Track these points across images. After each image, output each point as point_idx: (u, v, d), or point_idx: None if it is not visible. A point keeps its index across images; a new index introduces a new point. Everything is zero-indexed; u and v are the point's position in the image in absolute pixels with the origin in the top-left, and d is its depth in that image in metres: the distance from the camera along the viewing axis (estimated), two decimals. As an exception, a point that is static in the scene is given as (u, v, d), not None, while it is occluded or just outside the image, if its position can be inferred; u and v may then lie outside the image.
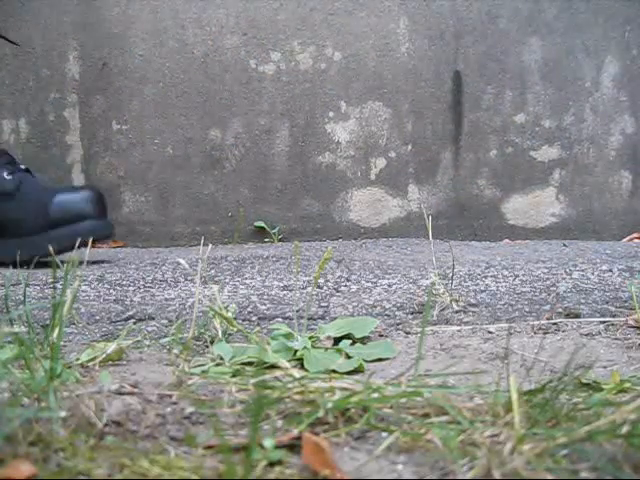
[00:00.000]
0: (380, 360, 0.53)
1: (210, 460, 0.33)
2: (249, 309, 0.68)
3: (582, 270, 0.85)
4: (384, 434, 0.36)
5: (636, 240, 1.24)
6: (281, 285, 0.79)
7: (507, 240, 1.26)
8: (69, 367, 0.47)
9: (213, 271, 0.89)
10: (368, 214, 1.33)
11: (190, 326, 0.52)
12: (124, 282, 0.84)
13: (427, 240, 0.70)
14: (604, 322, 0.61)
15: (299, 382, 0.40)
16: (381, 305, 0.69)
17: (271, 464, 0.33)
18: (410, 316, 0.66)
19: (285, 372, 0.45)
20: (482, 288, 0.75)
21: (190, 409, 0.38)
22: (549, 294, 0.72)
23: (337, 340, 0.55)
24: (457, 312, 0.66)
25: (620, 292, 0.72)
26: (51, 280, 0.85)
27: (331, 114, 1.32)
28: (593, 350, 0.54)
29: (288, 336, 0.54)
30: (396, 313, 0.66)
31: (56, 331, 0.44)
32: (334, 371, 0.48)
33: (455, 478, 0.31)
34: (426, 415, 0.37)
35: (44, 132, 1.32)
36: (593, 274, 0.82)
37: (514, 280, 0.80)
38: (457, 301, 0.68)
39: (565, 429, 0.33)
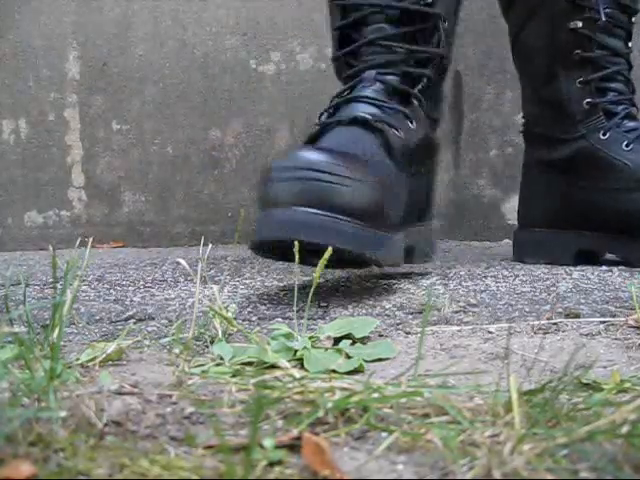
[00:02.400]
0: (380, 360, 0.53)
1: (210, 460, 0.33)
2: (249, 309, 0.68)
3: (582, 270, 0.85)
4: (384, 434, 0.36)
5: (636, 240, 1.24)
6: (281, 285, 0.79)
7: (507, 240, 1.26)
8: (69, 367, 0.47)
9: (213, 271, 0.89)
10: (368, 214, 1.33)
11: (190, 326, 0.52)
12: (124, 282, 0.84)
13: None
14: (604, 322, 0.61)
15: (299, 382, 0.40)
16: (381, 305, 0.69)
17: (271, 464, 0.33)
18: (410, 316, 0.66)
19: (285, 372, 0.45)
20: (482, 288, 0.75)
21: (190, 409, 0.38)
22: (549, 294, 0.72)
23: (337, 340, 0.55)
24: (457, 312, 0.66)
25: (620, 292, 0.72)
26: (51, 280, 0.85)
27: (331, 114, 1.32)
28: (593, 350, 0.54)
29: (288, 336, 0.54)
30: (396, 313, 0.66)
31: (56, 331, 0.44)
32: (334, 371, 0.48)
33: (455, 478, 0.31)
34: (426, 415, 0.37)
35: (44, 132, 1.32)
36: (593, 274, 0.82)
37: (514, 280, 0.80)
38: (457, 301, 0.68)
39: (565, 429, 0.33)
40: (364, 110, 0.76)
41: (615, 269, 0.85)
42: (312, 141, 0.76)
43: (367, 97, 0.77)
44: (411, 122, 0.78)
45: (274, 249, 0.68)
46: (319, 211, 0.63)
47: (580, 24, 0.90)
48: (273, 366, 0.47)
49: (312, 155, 0.66)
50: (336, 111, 0.78)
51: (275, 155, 1.33)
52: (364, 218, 0.65)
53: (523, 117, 1.01)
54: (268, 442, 0.34)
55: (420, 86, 0.80)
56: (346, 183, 0.64)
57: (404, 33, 0.79)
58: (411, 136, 0.78)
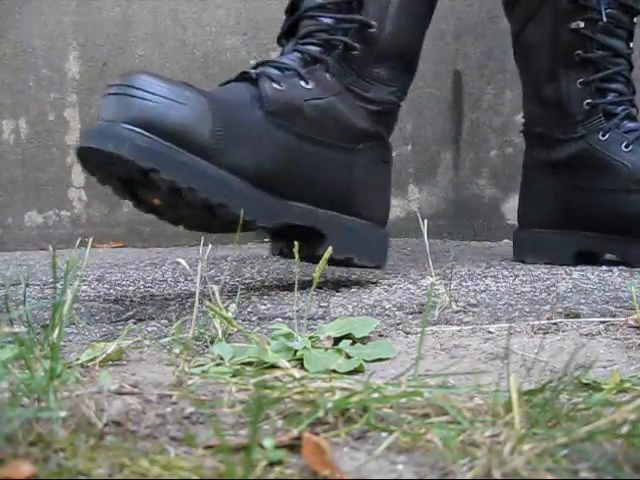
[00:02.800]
0: (380, 360, 0.53)
1: (210, 460, 0.33)
2: (249, 309, 0.68)
3: (582, 270, 0.85)
4: (384, 434, 0.36)
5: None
6: (281, 285, 0.79)
7: (507, 240, 1.26)
8: (69, 367, 0.47)
9: (213, 271, 0.90)
10: (368, 214, 1.33)
11: (190, 326, 0.52)
12: (124, 282, 0.85)
13: (427, 240, 0.70)
14: (604, 322, 0.61)
15: (299, 382, 0.41)
16: (381, 305, 0.69)
17: (271, 464, 0.33)
18: (410, 316, 0.66)
19: (285, 372, 0.45)
20: (482, 288, 0.75)
21: (190, 409, 0.38)
22: (549, 294, 0.72)
23: (337, 340, 0.55)
24: (457, 312, 0.66)
25: (620, 292, 0.72)
26: (51, 280, 0.85)
27: (331, 114, 1.32)
28: (593, 350, 0.54)
29: (288, 336, 0.54)
30: (396, 313, 0.67)
31: (56, 331, 0.44)
32: (334, 371, 0.48)
33: (455, 478, 0.31)
34: (426, 415, 0.37)
35: (44, 132, 1.32)
36: (593, 274, 0.82)
37: (514, 280, 0.80)
38: (457, 301, 0.68)
39: (565, 429, 0.33)
40: (260, 70, 0.75)
41: (615, 269, 0.85)
42: None
43: (273, 61, 0.77)
44: (304, 81, 0.75)
45: (94, 162, 0.67)
46: (131, 127, 0.63)
47: (582, 24, 0.90)
48: (273, 366, 0.47)
49: (142, 75, 0.66)
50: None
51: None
52: (178, 141, 0.64)
53: (523, 117, 1.01)
54: (268, 442, 0.34)
55: (335, 53, 0.77)
56: (160, 101, 0.64)
57: (330, 4, 0.77)
58: (300, 94, 0.74)
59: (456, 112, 1.32)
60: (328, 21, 0.77)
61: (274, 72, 0.75)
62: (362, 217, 0.79)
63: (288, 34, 0.81)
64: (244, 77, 0.75)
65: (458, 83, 1.32)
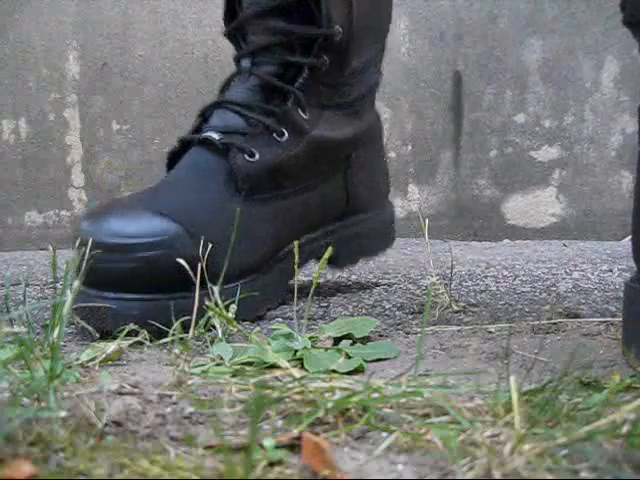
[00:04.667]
0: (380, 360, 0.53)
1: (210, 460, 0.33)
2: (249, 309, 0.68)
3: (582, 270, 0.85)
4: (384, 434, 0.36)
5: (636, 240, 1.24)
6: (281, 285, 0.79)
7: (507, 240, 1.26)
8: (69, 367, 0.47)
9: (213, 271, 0.89)
10: (368, 214, 1.33)
11: (190, 326, 0.52)
12: (124, 282, 0.84)
13: (428, 240, 0.70)
14: (604, 322, 0.61)
15: (299, 382, 0.40)
16: (381, 305, 0.69)
17: (271, 464, 0.33)
18: (410, 316, 0.66)
19: (285, 372, 0.45)
20: (482, 288, 0.75)
21: (190, 409, 0.38)
22: (549, 294, 0.72)
23: (337, 340, 0.55)
24: (457, 312, 0.66)
25: (620, 292, 0.72)
26: (51, 280, 0.85)
27: (331, 114, 1.31)
28: (593, 350, 0.54)
29: (288, 336, 0.54)
30: (396, 313, 0.67)
31: (56, 331, 0.44)
32: (334, 371, 0.48)
33: (455, 478, 0.31)
34: (426, 415, 0.37)
35: (44, 132, 1.32)
36: (593, 274, 0.82)
37: (514, 280, 0.80)
38: (457, 301, 0.68)
39: (565, 429, 0.33)
40: (222, 125, 0.66)
41: (615, 269, 0.85)
42: (171, 161, 0.68)
43: (236, 104, 0.67)
44: (277, 134, 0.67)
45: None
46: (119, 295, 0.60)
47: None
48: (273, 366, 0.47)
49: (109, 223, 0.61)
50: (204, 116, 0.69)
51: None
52: (172, 289, 0.60)
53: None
54: (268, 442, 0.34)
55: (301, 79, 0.67)
56: (138, 258, 0.59)
57: (282, 7, 0.66)
58: (277, 152, 0.67)
59: (456, 112, 1.32)
60: (284, 32, 0.67)
61: (241, 125, 0.66)
62: (367, 211, 0.75)
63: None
64: (207, 143, 0.66)
65: (458, 83, 1.32)
